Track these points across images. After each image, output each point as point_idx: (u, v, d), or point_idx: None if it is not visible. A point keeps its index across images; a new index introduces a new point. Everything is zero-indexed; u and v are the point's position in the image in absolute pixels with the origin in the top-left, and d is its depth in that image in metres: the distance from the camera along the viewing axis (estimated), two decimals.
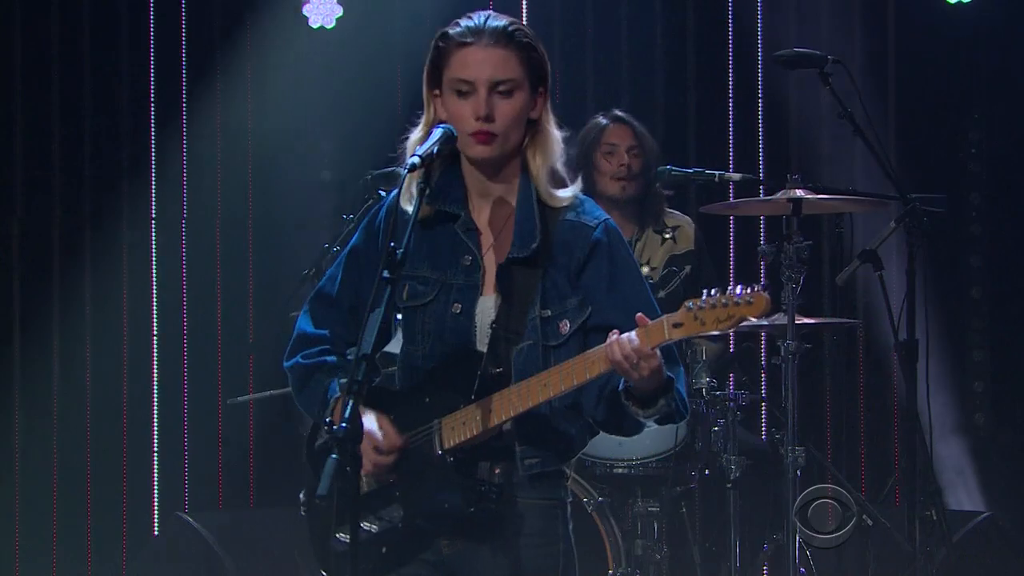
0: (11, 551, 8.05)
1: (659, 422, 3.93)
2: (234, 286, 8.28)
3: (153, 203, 8.27)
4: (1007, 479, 7.90)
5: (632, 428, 3.98)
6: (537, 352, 3.92)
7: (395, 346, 4.05)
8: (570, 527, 4.04)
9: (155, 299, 8.24)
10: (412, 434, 3.93)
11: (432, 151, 3.83)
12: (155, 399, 8.20)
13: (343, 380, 3.87)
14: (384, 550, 3.92)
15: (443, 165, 3.97)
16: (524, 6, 8.26)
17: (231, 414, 8.03)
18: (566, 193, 4.00)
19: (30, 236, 8.17)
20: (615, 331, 3.77)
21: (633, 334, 3.75)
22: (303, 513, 4.12)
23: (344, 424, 3.52)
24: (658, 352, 3.75)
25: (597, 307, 3.95)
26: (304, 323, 4.14)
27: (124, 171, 8.28)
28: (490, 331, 3.93)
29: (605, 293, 3.96)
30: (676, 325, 3.72)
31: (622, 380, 3.84)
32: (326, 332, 4.10)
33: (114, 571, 8.11)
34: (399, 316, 4.02)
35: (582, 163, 6.95)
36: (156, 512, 8.16)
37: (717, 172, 6.74)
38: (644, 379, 3.78)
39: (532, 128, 3.99)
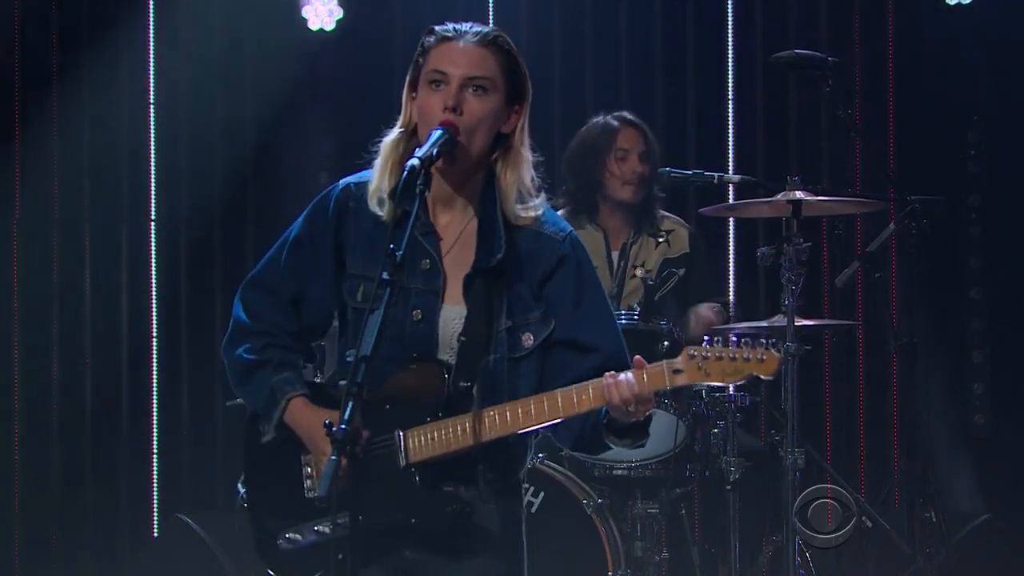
0: (11, 552, 8.05)
1: (628, 447, 3.93)
2: (233, 288, 8.25)
3: (152, 204, 8.27)
4: (1007, 481, 7.90)
5: (601, 451, 4.00)
6: (503, 365, 3.91)
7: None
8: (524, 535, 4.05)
9: (154, 300, 8.24)
10: (372, 443, 3.88)
11: (432, 153, 3.80)
12: (155, 400, 8.20)
13: (342, 382, 3.84)
14: (340, 556, 3.84)
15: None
16: (523, 10, 8.24)
17: (231, 415, 8.03)
18: (530, 213, 3.97)
19: (30, 232, 8.17)
20: (611, 373, 3.76)
21: (631, 377, 3.74)
22: (243, 506, 4.10)
23: (343, 426, 3.49)
24: (653, 399, 3.77)
25: (562, 322, 3.94)
26: (240, 312, 4.10)
27: (124, 173, 8.28)
28: (458, 344, 3.90)
29: (571, 309, 3.95)
30: (676, 371, 3.71)
31: (604, 411, 3.83)
32: (266, 323, 4.06)
33: (114, 572, 8.11)
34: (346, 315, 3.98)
35: (592, 165, 6.94)
36: (156, 513, 8.16)
37: (716, 174, 6.74)
38: (635, 417, 3.79)
39: (503, 143, 3.96)
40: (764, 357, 3.64)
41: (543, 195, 4.02)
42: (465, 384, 3.87)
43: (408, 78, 4.00)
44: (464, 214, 3.98)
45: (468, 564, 3.92)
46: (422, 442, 3.86)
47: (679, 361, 3.69)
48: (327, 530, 3.89)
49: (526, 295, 3.94)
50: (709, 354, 3.66)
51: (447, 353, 3.90)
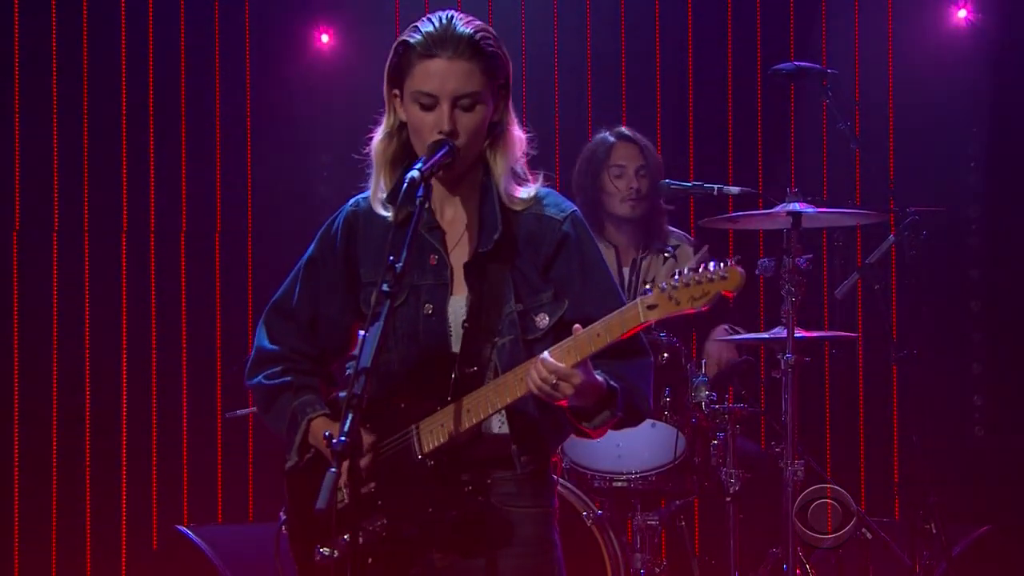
0: (11, 565, 8.04)
1: (616, 427, 3.89)
2: (233, 299, 8.27)
3: (153, 215, 8.27)
4: (1006, 492, 7.89)
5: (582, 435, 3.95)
6: (519, 347, 3.88)
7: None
8: (557, 533, 4.01)
9: (155, 311, 8.24)
10: (388, 441, 3.89)
11: (432, 167, 3.79)
12: (154, 412, 8.19)
13: (342, 394, 3.84)
14: (370, 560, 3.87)
15: (404, 168, 3.88)
16: (523, 21, 8.24)
17: (230, 427, 8.03)
18: (525, 195, 3.95)
19: (28, 246, 8.16)
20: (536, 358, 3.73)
21: (546, 353, 3.71)
22: (284, 530, 4.11)
23: (343, 438, 3.48)
24: (579, 372, 3.69)
25: (573, 301, 3.92)
26: (262, 338, 4.11)
27: (123, 183, 8.27)
28: (463, 330, 3.89)
29: (580, 287, 3.93)
30: (651, 307, 3.65)
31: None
32: (286, 348, 4.08)
33: None
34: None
35: (589, 183, 6.96)
36: (155, 525, 8.15)
37: (716, 186, 6.74)
38: (573, 398, 3.74)
39: (493, 130, 3.94)
40: (726, 274, 3.58)
41: (541, 176, 4.00)
42: (471, 369, 3.86)
43: (386, 77, 3.94)
44: (466, 206, 3.98)
45: (502, 567, 3.89)
46: (432, 431, 3.85)
47: (652, 297, 3.64)
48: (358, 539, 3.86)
49: (534, 277, 3.92)
50: (678, 283, 3.61)
51: (460, 343, 3.89)
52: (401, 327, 3.92)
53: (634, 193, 6.94)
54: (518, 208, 3.94)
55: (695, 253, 7.00)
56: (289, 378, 4.05)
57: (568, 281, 3.93)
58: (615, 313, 3.70)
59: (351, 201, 4.09)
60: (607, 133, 7.06)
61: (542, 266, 3.93)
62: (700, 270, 3.61)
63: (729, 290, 3.60)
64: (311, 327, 4.07)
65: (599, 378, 3.77)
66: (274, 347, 4.08)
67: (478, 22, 3.90)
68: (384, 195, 3.96)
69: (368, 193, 4.03)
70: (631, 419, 3.90)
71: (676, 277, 3.63)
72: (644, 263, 6.96)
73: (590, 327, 3.71)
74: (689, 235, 7.17)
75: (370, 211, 4.01)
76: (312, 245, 4.12)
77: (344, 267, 4.05)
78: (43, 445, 8.11)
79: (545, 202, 3.97)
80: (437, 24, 3.86)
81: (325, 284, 4.06)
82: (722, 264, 3.61)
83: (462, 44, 3.83)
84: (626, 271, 6.97)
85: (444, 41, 3.83)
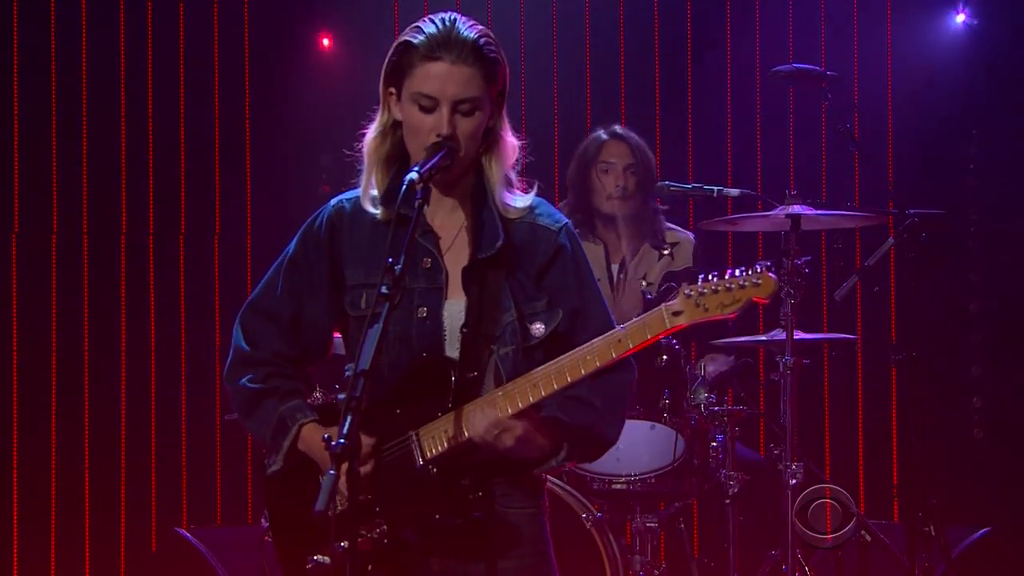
0: (9, 568, 8.04)
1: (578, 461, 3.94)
2: (232, 299, 8.26)
3: (152, 215, 8.27)
4: (1006, 494, 7.89)
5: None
6: (519, 355, 3.87)
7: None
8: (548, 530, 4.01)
9: (153, 312, 8.24)
10: (386, 448, 3.87)
11: (432, 170, 3.77)
12: (153, 414, 8.19)
13: (341, 396, 3.82)
14: (369, 567, 3.85)
15: (397, 167, 3.90)
16: (523, 26, 8.24)
17: (229, 429, 8.03)
18: (520, 204, 3.94)
19: (28, 251, 8.16)
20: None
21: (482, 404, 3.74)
22: (267, 539, 4.08)
23: (342, 440, 3.45)
24: (520, 424, 3.72)
25: (567, 311, 3.91)
26: (239, 339, 4.06)
27: (123, 184, 8.27)
28: (460, 335, 3.87)
29: (575, 298, 3.93)
30: (676, 313, 3.64)
31: None
32: (267, 352, 4.03)
33: None
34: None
35: (580, 179, 6.96)
36: (154, 527, 8.15)
37: (715, 188, 6.73)
38: (513, 450, 3.75)
39: (488, 136, 3.92)
40: (760, 280, 3.56)
41: (535, 186, 3.99)
42: (472, 375, 3.84)
43: (384, 75, 3.92)
44: (458, 210, 3.96)
45: (501, 569, 3.88)
46: (435, 437, 3.83)
47: (676, 303, 3.63)
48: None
49: (528, 285, 3.91)
50: (705, 289, 3.59)
51: (454, 347, 3.87)
52: (393, 331, 3.86)
53: (620, 191, 6.92)
54: (512, 216, 3.93)
55: (694, 251, 7.00)
56: (273, 383, 4.00)
57: (563, 292, 3.93)
58: (637, 320, 3.70)
59: (334, 201, 4.06)
60: (601, 131, 7.07)
61: (535, 275, 3.92)
62: (729, 276, 3.59)
63: (762, 296, 3.57)
64: (292, 327, 4.03)
65: (542, 438, 3.79)
66: (254, 350, 4.04)
67: (480, 27, 3.88)
68: (375, 192, 3.95)
69: (352, 194, 4.02)
70: (591, 454, 3.93)
71: (701, 283, 3.61)
72: (635, 259, 6.96)
73: (610, 332, 3.72)
74: (689, 233, 7.16)
75: (355, 213, 3.99)
76: (293, 244, 4.09)
77: (328, 267, 4.02)
78: (42, 446, 8.11)
79: (538, 212, 3.97)
80: (440, 26, 3.84)
81: (308, 283, 4.02)
82: (750, 271, 3.59)
83: (466, 49, 3.82)
84: (615, 268, 6.96)
85: (448, 44, 3.82)
